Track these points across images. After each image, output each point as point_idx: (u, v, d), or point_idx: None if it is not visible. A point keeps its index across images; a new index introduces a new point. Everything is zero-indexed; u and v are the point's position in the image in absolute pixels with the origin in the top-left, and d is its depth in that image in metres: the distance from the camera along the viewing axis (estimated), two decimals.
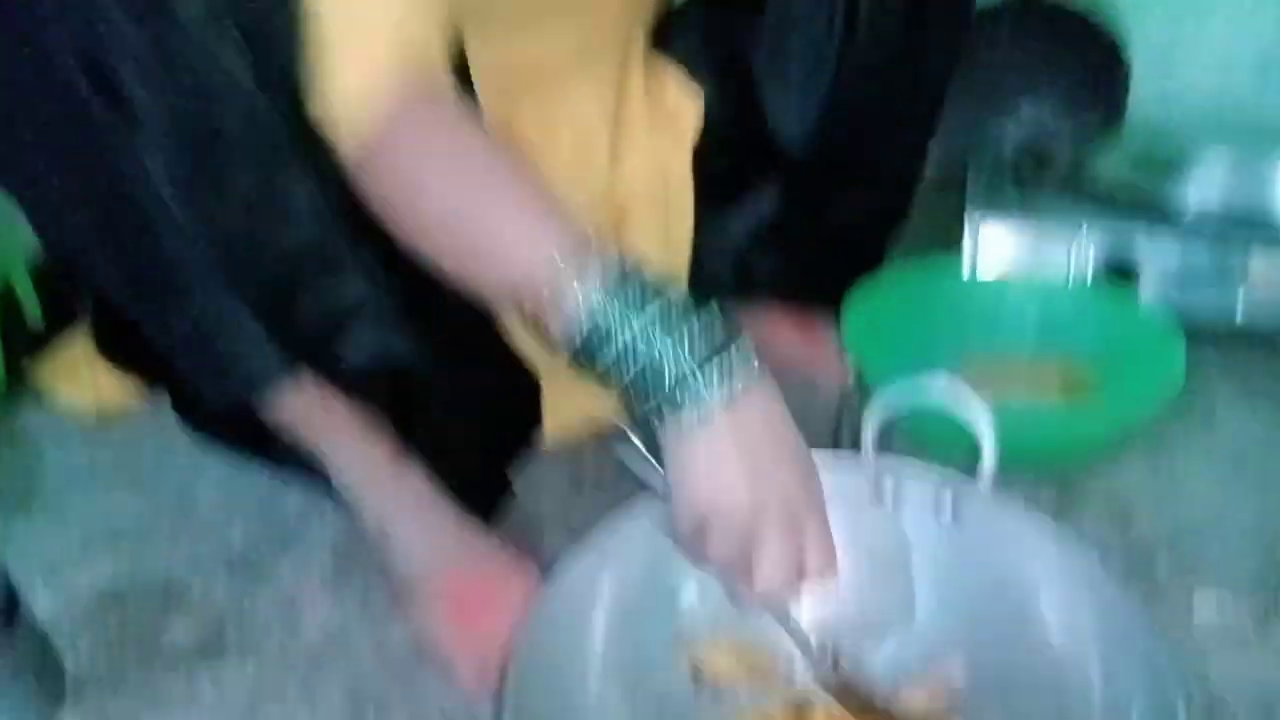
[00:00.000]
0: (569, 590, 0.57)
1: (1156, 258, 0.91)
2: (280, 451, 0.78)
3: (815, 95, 0.83)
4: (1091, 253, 0.92)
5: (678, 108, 0.85)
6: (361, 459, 0.68)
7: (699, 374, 0.47)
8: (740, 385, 0.48)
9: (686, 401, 0.47)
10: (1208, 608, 0.65)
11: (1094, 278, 0.91)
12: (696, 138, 0.84)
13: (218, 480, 0.82)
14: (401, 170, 0.53)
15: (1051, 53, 1.28)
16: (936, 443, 0.80)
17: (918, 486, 0.63)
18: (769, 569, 0.50)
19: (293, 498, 0.79)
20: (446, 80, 0.55)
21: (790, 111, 0.83)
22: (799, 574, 0.51)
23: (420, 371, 0.67)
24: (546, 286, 0.47)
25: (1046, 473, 0.77)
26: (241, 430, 0.79)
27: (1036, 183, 1.01)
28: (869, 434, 0.66)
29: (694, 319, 0.48)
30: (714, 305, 0.49)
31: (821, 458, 0.64)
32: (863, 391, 0.87)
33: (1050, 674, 0.56)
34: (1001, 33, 1.25)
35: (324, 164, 0.55)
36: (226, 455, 0.81)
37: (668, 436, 0.49)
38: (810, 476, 0.52)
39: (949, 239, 0.96)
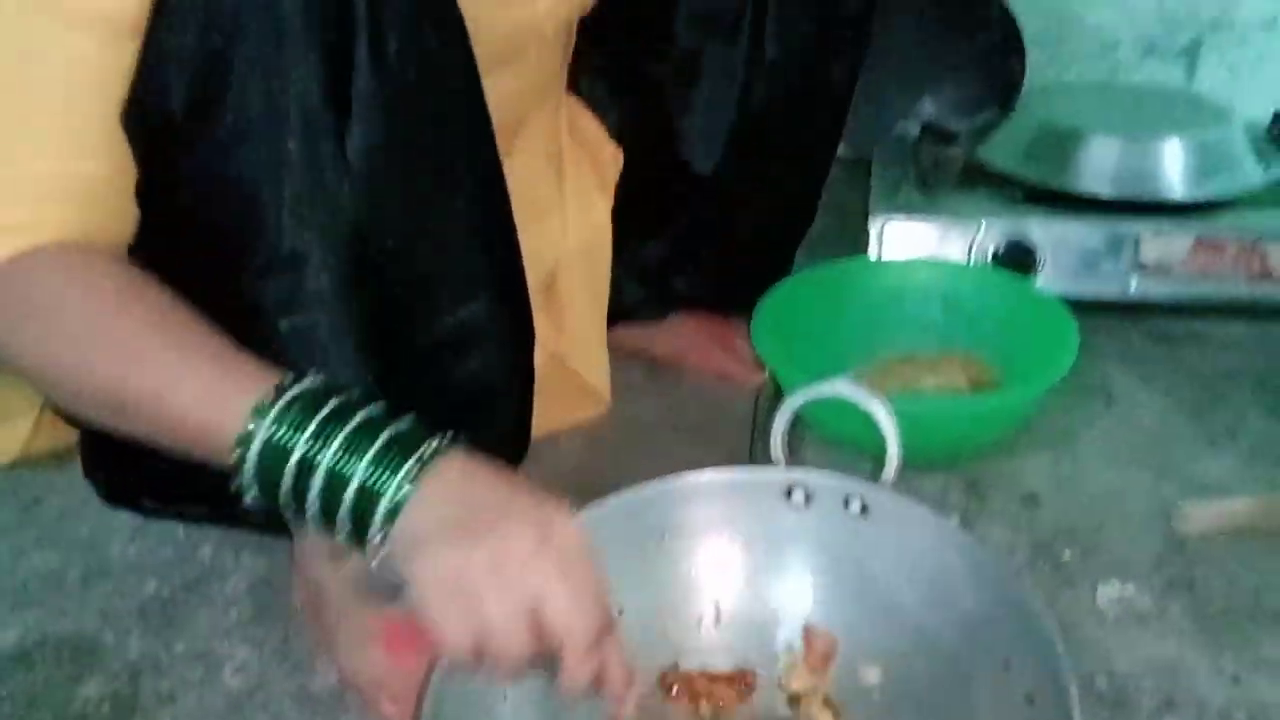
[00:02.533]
0: None
1: (1053, 244, 0.94)
2: (200, 506, 0.77)
3: (725, 118, 0.85)
4: (991, 244, 0.94)
5: (600, 151, 0.86)
6: None
7: (383, 478, 0.46)
8: (431, 478, 0.46)
9: (379, 510, 0.45)
10: (1111, 591, 0.67)
11: (993, 264, 0.94)
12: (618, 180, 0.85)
13: (130, 531, 0.80)
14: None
15: (949, 38, 1.31)
16: (848, 442, 0.82)
17: (827, 487, 0.65)
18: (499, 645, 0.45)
19: (207, 546, 0.78)
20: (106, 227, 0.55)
21: (699, 135, 0.85)
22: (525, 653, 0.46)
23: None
24: (211, 419, 0.47)
25: (955, 464, 0.79)
26: (155, 488, 0.78)
27: (936, 177, 1.03)
28: (778, 438, 0.67)
29: (377, 431, 0.47)
30: (406, 418, 0.48)
31: (730, 470, 0.67)
32: (776, 395, 0.89)
33: (954, 665, 0.58)
34: (897, 20, 1.27)
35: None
36: (140, 513, 0.80)
37: (389, 558, 0.46)
38: (543, 533, 0.46)
39: (854, 231, 0.98)
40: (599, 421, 0.91)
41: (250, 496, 0.48)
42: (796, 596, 0.65)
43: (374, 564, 0.48)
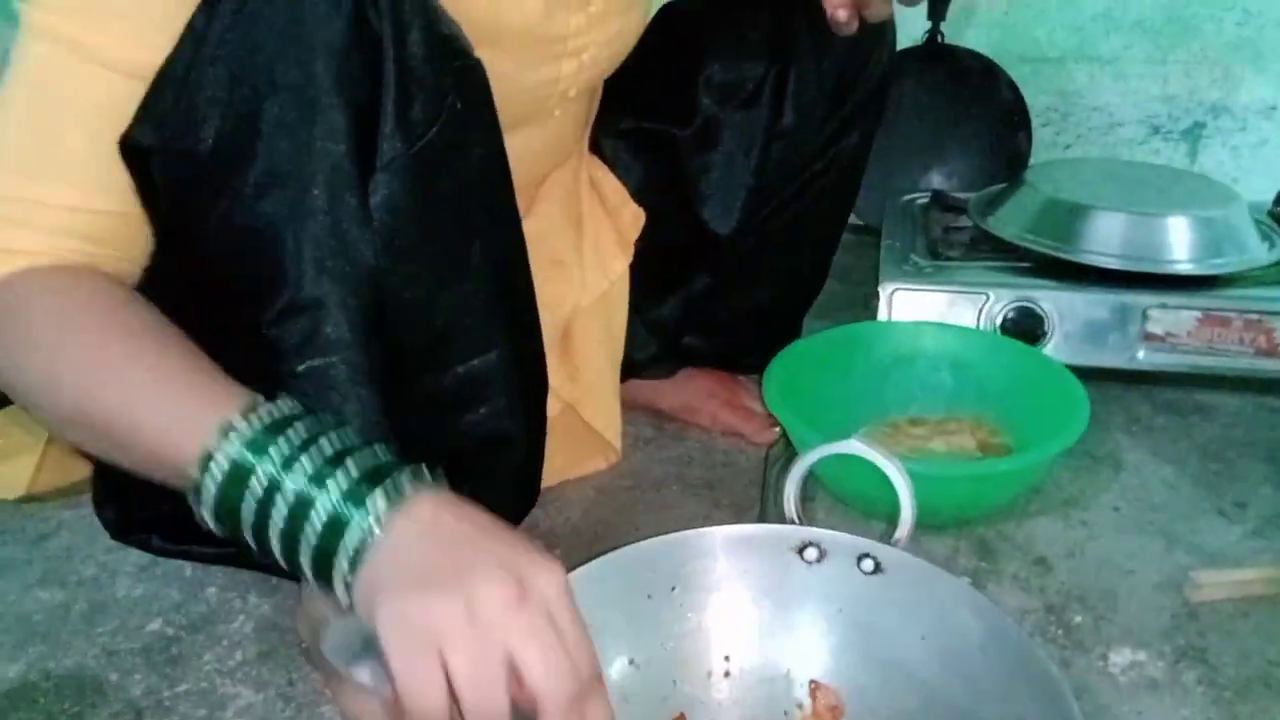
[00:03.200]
0: None
1: (1061, 314, 0.95)
2: (207, 545, 0.77)
3: (742, 182, 0.87)
4: (999, 313, 0.95)
5: (621, 210, 0.88)
6: None
7: (350, 508, 0.44)
8: (403, 511, 0.45)
9: (346, 543, 0.44)
10: (1123, 657, 0.67)
11: (1002, 332, 0.95)
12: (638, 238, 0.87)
13: (137, 570, 0.80)
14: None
15: (959, 112, 1.34)
16: (858, 501, 0.82)
17: (840, 545, 0.65)
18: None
19: (213, 587, 0.78)
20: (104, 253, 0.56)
21: (718, 197, 0.87)
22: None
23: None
24: (174, 438, 0.47)
25: (964, 527, 0.79)
26: (164, 529, 0.78)
27: (946, 246, 1.05)
28: (792, 494, 0.68)
29: (349, 458, 0.46)
30: (379, 447, 0.48)
31: (745, 526, 0.67)
32: (788, 452, 0.89)
33: None
34: (910, 94, 1.31)
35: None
36: (148, 551, 0.80)
37: (357, 599, 0.44)
38: (520, 584, 0.43)
39: (862, 297, 0.99)
40: (607, 473, 0.91)
41: (210, 522, 0.47)
42: (807, 653, 0.64)
43: (343, 607, 0.46)
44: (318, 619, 0.67)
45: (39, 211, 0.54)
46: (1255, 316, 0.91)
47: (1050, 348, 0.95)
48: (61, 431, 0.54)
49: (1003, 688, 0.56)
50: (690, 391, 0.97)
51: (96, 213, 0.55)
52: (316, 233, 0.55)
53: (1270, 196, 1.09)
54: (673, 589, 0.65)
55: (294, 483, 0.45)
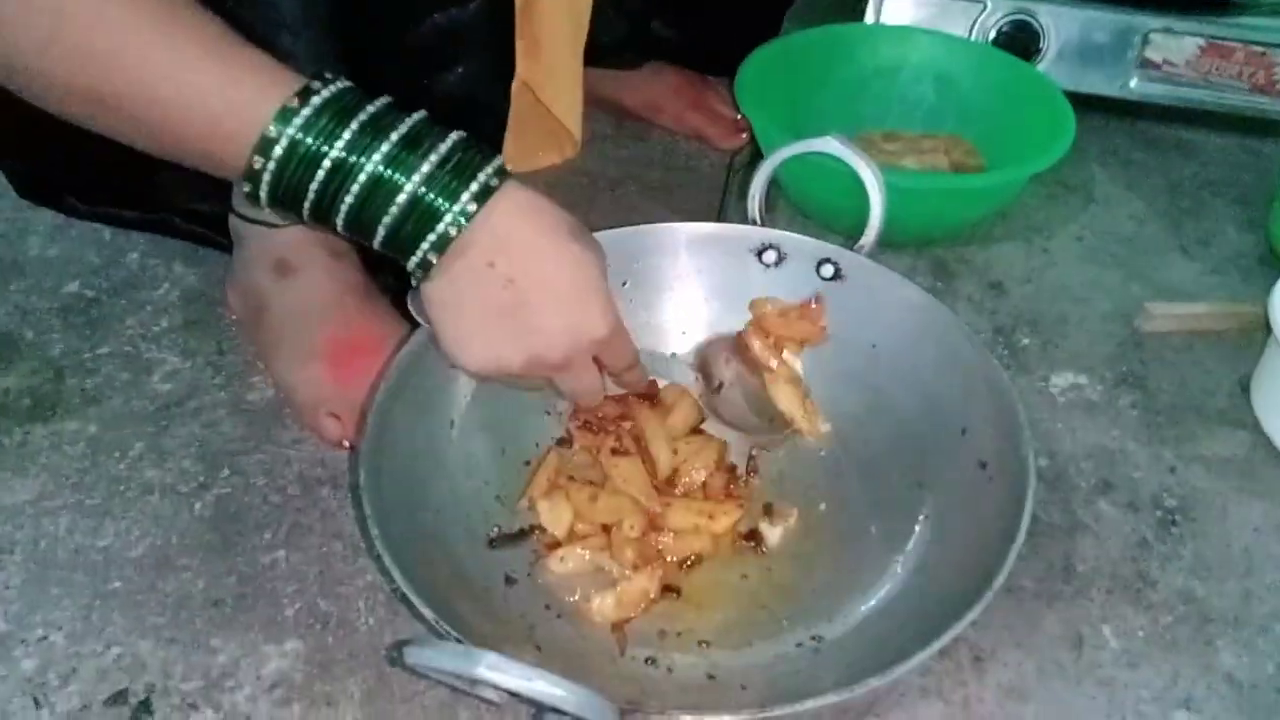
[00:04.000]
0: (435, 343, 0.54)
1: (1059, 29, 0.88)
2: (127, 204, 0.72)
3: None
4: (995, 24, 0.88)
5: None
6: None
7: (438, 195, 0.43)
8: (494, 204, 0.44)
9: (430, 230, 0.43)
10: (1063, 380, 0.67)
11: (994, 45, 0.88)
12: None
13: (50, 228, 0.75)
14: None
15: None
16: (820, 217, 0.79)
17: (800, 248, 0.62)
18: (573, 394, 0.51)
19: (135, 253, 0.73)
20: None
21: None
22: (601, 381, 0.52)
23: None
24: (234, 117, 0.42)
25: (926, 244, 0.77)
26: (80, 188, 0.72)
27: None
28: (757, 194, 0.64)
29: (428, 143, 0.43)
30: (458, 134, 0.44)
31: (703, 224, 0.64)
32: (754, 159, 0.85)
33: (910, 429, 0.57)
34: None
35: None
36: (62, 212, 0.74)
37: (429, 286, 0.46)
38: (588, 281, 0.47)
39: (853, 8, 0.91)
40: (561, 169, 0.86)
41: (264, 204, 0.44)
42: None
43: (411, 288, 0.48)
44: (253, 288, 0.64)
45: None
46: (1260, 49, 0.85)
47: (1041, 68, 0.89)
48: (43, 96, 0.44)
49: (951, 398, 0.56)
50: (656, 88, 0.90)
51: None
52: None
53: None
54: (624, 284, 0.63)
55: (371, 165, 0.42)
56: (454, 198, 0.43)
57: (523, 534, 0.54)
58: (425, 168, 0.43)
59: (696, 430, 0.60)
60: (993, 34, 0.89)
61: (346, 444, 0.60)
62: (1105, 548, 0.57)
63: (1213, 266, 0.77)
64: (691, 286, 0.64)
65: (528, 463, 0.58)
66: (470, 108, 0.64)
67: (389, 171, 0.42)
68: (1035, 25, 0.88)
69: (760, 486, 0.58)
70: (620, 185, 0.86)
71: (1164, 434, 0.64)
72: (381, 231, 0.44)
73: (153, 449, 0.60)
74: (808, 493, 0.57)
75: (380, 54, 0.58)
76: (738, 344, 0.63)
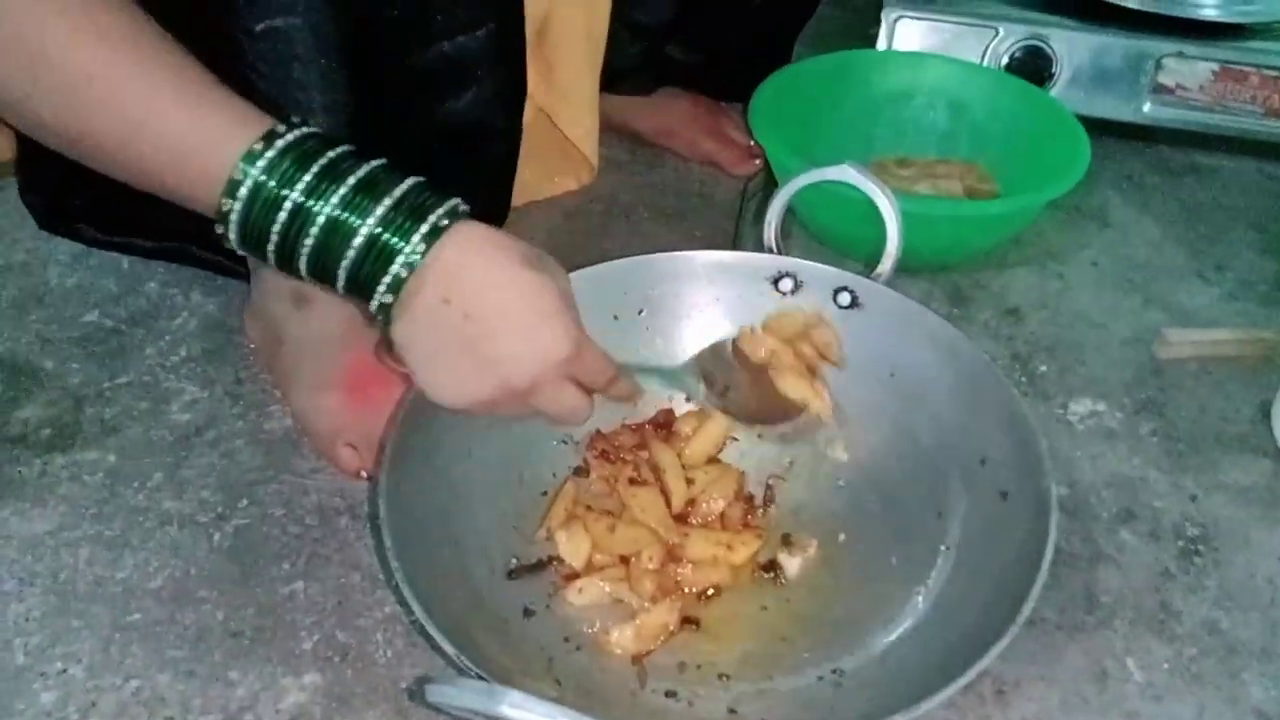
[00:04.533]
0: None
1: (1072, 55, 0.88)
2: (145, 235, 0.72)
3: None
4: (1007, 50, 0.88)
5: None
6: None
7: (392, 236, 0.43)
8: (445, 241, 0.44)
9: (385, 272, 0.43)
10: (1082, 407, 0.67)
11: (1007, 71, 0.89)
12: None
13: (69, 258, 0.75)
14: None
15: None
16: (835, 244, 0.79)
17: (818, 276, 0.62)
18: (557, 417, 0.50)
19: (154, 281, 0.73)
20: None
21: None
22: (585, 400, 0.50)
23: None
24: (201, 158, 0.42)
25: (943, 270, 0.77)
26: (98, 218, 0.72)
27: None
28: (773, 222, 0.64)
29: (384, 186, 0.43)
30: (415, 179, 0.45)
31: (720, 252, 0.64)
32: (767, 185, 0.85)
33: (930, 458, 0.57)
34: None
35: None
36: (80, 242, 0.74)
37: (393, 329, 0.46)
38: (545, 304, 0.47)
39: (864, 27, 0.92)
40: (576, 195, 0.86)
41: (234, 244, 0.44)
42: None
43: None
44: (271, 318, 0.64)
45: None
46: (1274, 74, 0.85)
47: (1054, 93, 0.89)
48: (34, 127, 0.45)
49: (970, 427, 0.56)
50: (670, 114, 0.91)
51: None
52: None
53: None
54: (640, 312, 0.63)
55: (329, 210, 0.43)
56: (407, 238, 0.43)
57: (541, 565, 0.54)
58: (380, 210, 0.43)
59: (714, 459, 0.60)
60: (1005, 59, 0.89)
61: (364, 474, 0.60)
62: (1128, 578, 0.56)
63: (1230, 291, 0.77)
64: (709, 315, 0.64)
65: (545, 492, 0.58)
66: (482, 134, 0.65)
67: (345, 215, 0.43)
68: (1048, 51, 0.88)
69: (778, 516, 0.58)
70: (634, 212, 0.86)
71: (1185, 462, 0.63)
72: (342, 275, 0.44)
73: (171, 479, 0.60)
74: (827, 523, 0.57)
75: (390, 82, 0.59)
76: (735, 347, 0.62)
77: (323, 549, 0.56)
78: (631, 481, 0.58)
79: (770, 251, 0.64)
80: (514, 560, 0.54)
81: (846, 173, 0.62)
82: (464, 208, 0.45)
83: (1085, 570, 0.56)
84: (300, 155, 0.42)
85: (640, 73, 0.87)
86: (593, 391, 0.51)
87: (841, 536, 0.57)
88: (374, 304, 0.44)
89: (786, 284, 0.63)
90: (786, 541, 0.56)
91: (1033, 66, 0.89)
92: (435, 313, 0.45)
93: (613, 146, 0.91)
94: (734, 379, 0.61)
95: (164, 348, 0.68)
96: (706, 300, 0.64)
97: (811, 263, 0.63)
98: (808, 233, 0.81)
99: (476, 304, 0.45)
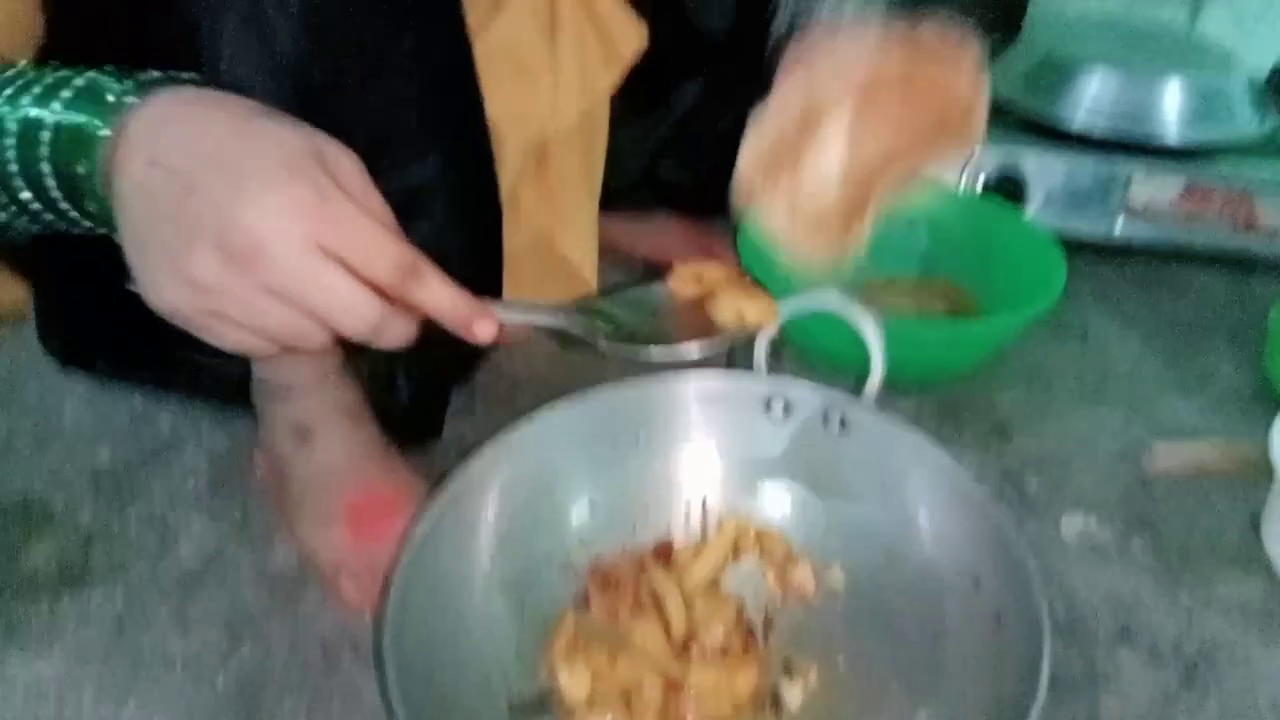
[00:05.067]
0: (455, 504, 0.56)
1: (1044, 178, 0.92)
2: (156, 371, 0.74)
3: None
4: (983, 173, 0.93)
5: (610, 19, 0.81)
6: (309, 357, 0.64)
7: (78, 114, 0.39)
8: (148, 99, 0.40)
9: (84, 153, 0.39)
10: (1074, 524, 0.68)
11: (983, 193, 0.93)
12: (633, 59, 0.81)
13: (84, 396, 0.77)
14: None
15: None
16: (825, 361, 0.81)
17: (807, 399, 0.64)
18: (326, 310, 0.39)
19: (165, 416, 0.75)
20: None
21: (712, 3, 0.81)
22: (362, 292, 0.40)
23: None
24: None
25: (929, 389, 0.79)
26: (113, 352, 0.74)
27: None
28: (761, 348, 0.66)
29: (71, 78, 0.41)
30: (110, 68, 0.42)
31: (711, 376, 0.66)
32: None
33: (924, 581, 0.58)
34: None
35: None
36: (94, 377, 0.77)
37: (119, 231, 0.39)
38: (284, 150, 0.39)
39: None
40: None
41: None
42: (770, 507, 0.65)
43: None
44: (276, 453, 0.66)
45: None
46: (1238, 191, 0.89)
47: (1028, 214, 0.93)
48: None
49: (962, 546, 0.57)
50: (667, 237, 0.95)
51: None
52: (233, 16, 0.50)
53: (1270, 65, 1.06)
54: (638, 436, 0.65)
55: (20, 108, 0.40)
56: (99, 114, 0.40)
57: (542, 701, 0.54)
58: (66, 94, 0.40)
59: (713, 587, 0.61)
60: (981, 181, 0.93)
61: (367, 610, 0.61)
62: (1130, 702, 0.56)
63: (1212, 403, 0.79)
64: (701, 440, 0.66)
65: (546, 620, 0.59)
66: (455, 254, 0.65)
67: (35, 111, 0.40)
68: (1020, 174, 0.93)
69: (776, 643, 0.58)
70: None
71: (1179, 577, 0.64)
72: (50, 180, 0.40)
73: (177, 618, 0.61)
74: (825, 646, 0.58)
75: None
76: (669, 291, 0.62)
77: (326, 686, 0.57)
78: (632, 610, 0.58)
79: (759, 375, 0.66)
80: (516, 695, 0.54)
81: (831, 301, 0.64)
82: (184, 77, 0.42)
83: (1086, 692, 0.57)
84: (13, 77, 0.41)
85: (638, 189, 0.90)
86: (378, 286, 0.40)
87: (841, 660, 0.57)
88: (90, 203, 0.40)
89: (777, 407, 0.65)
90: (787, 668, 0.56)
91: (1007, 189, 0.93)
92: (143, 184, 0.38)
93: (609, 271, 0.94)
94: (656, 323, 0.60)
95: (173, 483, 0.70)
96: (701, 423, 0.66)
97: (800, 384, 0.65)
98: (798, 349, 0.83)
99: (182, 157, 0.38)
